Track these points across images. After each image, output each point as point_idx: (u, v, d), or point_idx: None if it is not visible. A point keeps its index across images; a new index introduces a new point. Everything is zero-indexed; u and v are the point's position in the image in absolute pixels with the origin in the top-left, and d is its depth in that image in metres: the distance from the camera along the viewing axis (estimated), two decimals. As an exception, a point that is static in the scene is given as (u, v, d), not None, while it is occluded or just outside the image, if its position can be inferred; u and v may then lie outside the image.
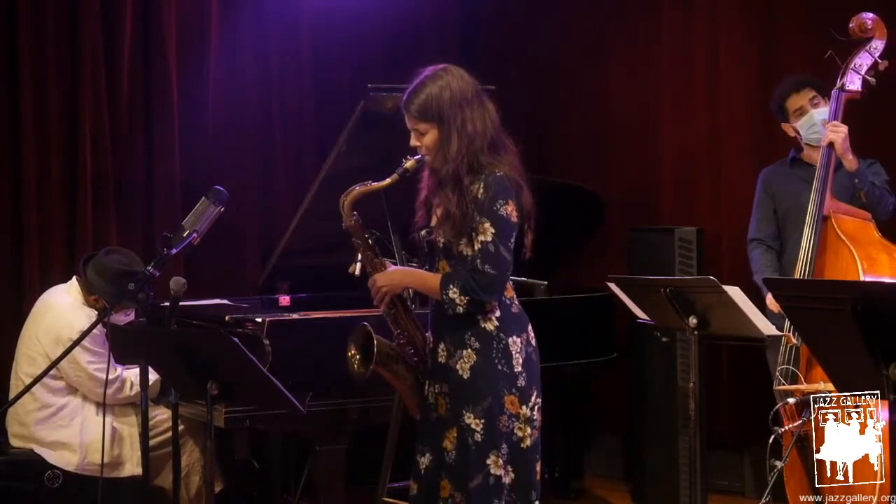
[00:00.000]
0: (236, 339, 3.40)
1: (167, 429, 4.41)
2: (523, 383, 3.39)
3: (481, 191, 3.33)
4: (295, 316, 4.58)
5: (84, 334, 3.93)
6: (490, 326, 3.39)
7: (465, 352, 3.38)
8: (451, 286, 3.33)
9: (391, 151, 4.75)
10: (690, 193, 6.08)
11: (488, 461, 3.35)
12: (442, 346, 3.44)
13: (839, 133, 4.33)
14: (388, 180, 3.45)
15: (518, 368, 3.38)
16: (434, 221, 3.45)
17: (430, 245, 3.48)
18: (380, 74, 5.98)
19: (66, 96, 5.37)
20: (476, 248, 3.32)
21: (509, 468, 3.37)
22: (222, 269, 5.83)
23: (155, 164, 5.64)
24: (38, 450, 4.52)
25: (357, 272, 3.54)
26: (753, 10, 5.84)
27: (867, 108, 4.50)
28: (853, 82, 4.39)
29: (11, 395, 4.46)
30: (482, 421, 3.35)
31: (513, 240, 3.37)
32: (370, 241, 3.52)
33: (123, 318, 4.60)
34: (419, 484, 3.49)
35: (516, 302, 3.48)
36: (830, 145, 4.34)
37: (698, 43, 6.04)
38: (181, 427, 4.29)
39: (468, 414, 3.36)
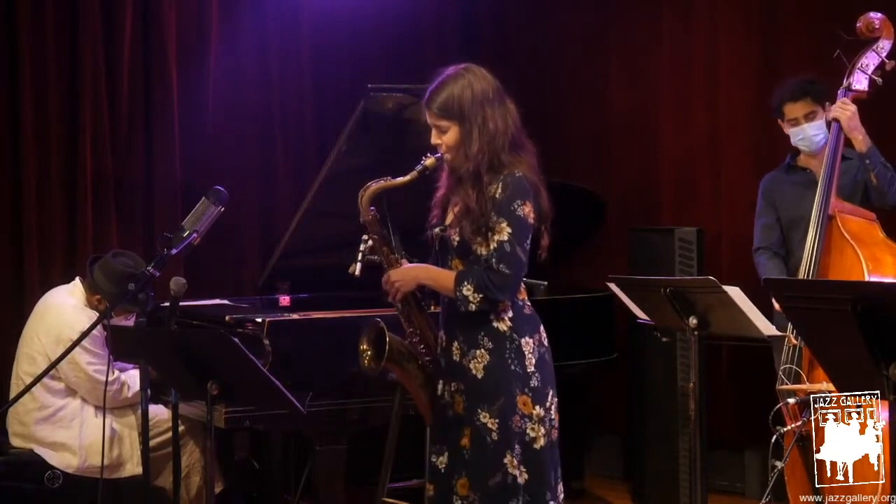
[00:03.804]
0: (236, 339, 3.39)
1: (167, 429, 4.40)
2: (537, 384, 3.39)
3: (499, 191, 3.33)
4: (295, 316, 4.58)
5: (84, 334, 3.92)
6: (503, 327, 3.38)
7: (478, 351, 3.38)
8: (466, 283, 3.32)
9: (391, 151, 4.78)
10: (690, 193, 6.08)
11: (505, 460, 3.34)
12: (456, 344, 3.43)
13: (846, 110, 4.30)
14: (407, 177, 3.43)
15: (531, 369, 3.39)
16: (450, 219, 3.44)
17: (443, 243, 3.46)
18: (380, 74, 5.97)
19: (66, 96, 5.36)
20: (492, 247, 3.31)
21: (523, 469, 3.36)
22: (222, 269, 5.83)
23: (155, 164, 5.63)
24: (39, 450, 4.52)
25: (357, 272, 3.53)
26: (753, 10, 5.83)
27: (873, 107, 4.49)
28: (859, 82, 4.37)
29: (11, 395, 4.46)
30: (497, 420, 3.34)
31: (528, 241, 3.37)
32: (387, 237, 3.51)
33: (125, 322, 4.60)
34: (436, 485, 3.48)
35: (528, 303, 3.47)
36: (836, 122, 4.32)
37: (698, 43, 6.03)
38: (181, 427, 4.29)
39: (483, 413, 3.35)
